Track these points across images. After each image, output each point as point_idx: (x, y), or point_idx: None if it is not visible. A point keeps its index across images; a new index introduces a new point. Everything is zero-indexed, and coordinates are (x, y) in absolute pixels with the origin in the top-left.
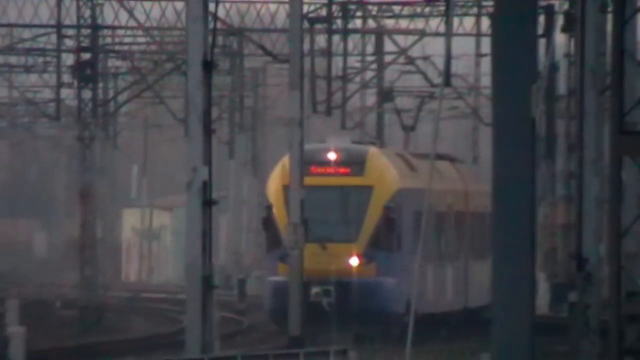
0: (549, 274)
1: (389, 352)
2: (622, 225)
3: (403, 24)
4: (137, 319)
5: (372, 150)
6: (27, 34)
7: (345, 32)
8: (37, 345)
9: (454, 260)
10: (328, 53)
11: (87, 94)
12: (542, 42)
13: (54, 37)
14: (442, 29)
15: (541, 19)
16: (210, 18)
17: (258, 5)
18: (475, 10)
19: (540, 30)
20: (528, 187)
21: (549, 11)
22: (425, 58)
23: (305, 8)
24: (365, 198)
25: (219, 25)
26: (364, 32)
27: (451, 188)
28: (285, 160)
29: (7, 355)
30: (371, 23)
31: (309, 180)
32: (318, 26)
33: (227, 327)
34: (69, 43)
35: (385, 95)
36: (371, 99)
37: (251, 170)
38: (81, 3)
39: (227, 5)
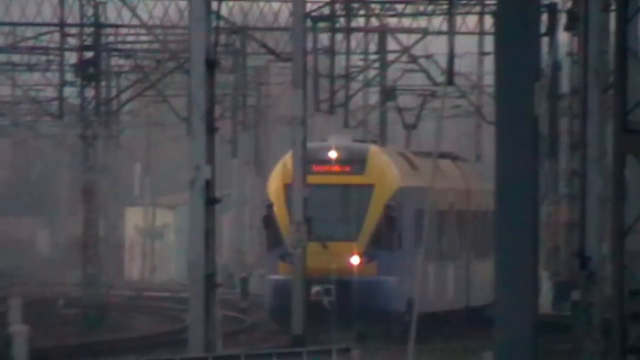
0: (551, 273)
1: (391, 351)
2: (625, 223)
3: (406, 22)
4: (140, 317)
5: (373, 148)
6: (30, 32)
7: (348, 31)
8: (40, 343)
9: (456, 259)
10: (331, 51)
11: (90, 93)
12: (545, 40)
13: (56, 36)
14: (445, 27)
15: (544, 17)
16: (213, 17)
17: (261, 4)
18: (478, 8)
19: (543, 28)
20: (531, 185)
21: (552, 10)
22: (428, 56)
23: (308, 6)
24: (366, 196)
25: (221, 23)
26: (366, 30)
27: (453, 186)
28: (286, 158)
29: (10, 354)
30: (374, 21)
31: (310, 179)
32: (321, 25)
33: (230, 326)
34: (72, 41)
35: (388, 93)
36: (374, 97)
37: (254, 168)
38: (84, 1)
39: (230, 3)
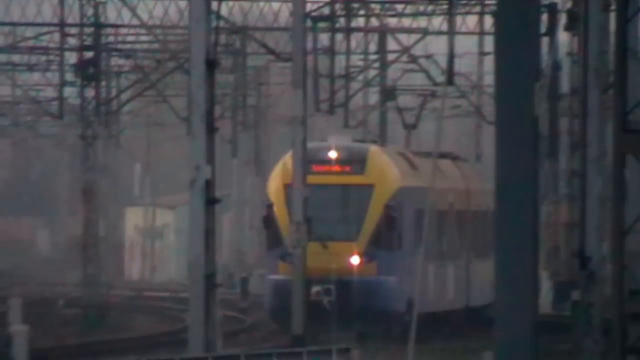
0: (551, 273)
1: (391, 351)
2: (625, 223)
3: (406, 22)
4: (140, 317)
5: (373, 148)
6: (30, 32)
7: (348, 31)
8: (40, 343)
9: (456, 259)
10: (331, 51)
11: (90, 93)
12: (545, 40)
13: (56, 36)
14: (445, 27)
15: (544, 17)
16: (213, 17)
17: (261, 4)
18: (478, 8)
19: (543, 28)
20: (531, 185)
21: (552, 10)
22: (428, 57)
23: (308, 6)
24: (366, 196)
25: (221, 23)
26: (366, 30)
27: (452, 186)
28: (286, 158)
29: (10, 354)
30: (374, 21)
31: (310, 179)
32: (321, 25)
33: (230, 326)
34: (72, 41)
35: (388, 94)
36: (374, 97)
37: (254, 168)
38: (84, 1)
39: (230, 3)
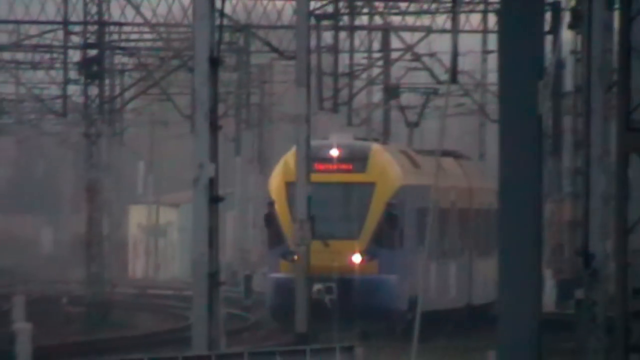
0: (555, 271)
1: (393, 349)
2: (629, 221)
3: (409, 20)
4: (143, 315)
5: (375, 146)
6: (33, 30)
7: (352, 29)
8: (43, 341)
9: (458, 257)
10: (334, 50)
11: (93, 91)
12: (548, 39)
13: (60, 34)
14: (448, 25)
15: (548, 15)
16: (216, 15)
17: (264, 2)
18: (482, 7)
19: (547, 27)
20: (534, 183)
21: (556, 8)
22: (432, 55)
23: (312, 5)
24: (368, 195)
25: (225, 21)
26: (370, 29)
27: (455, 185)
28: (288, 156)
29: (13, 352)
30: (378, 20)
31: (311, 177)
32: (325, 23)
33: (233, 324)
34: (76, 40)
35: (392, 92)
36: (377, 95)
37: (257, 166)
38: (87, 0)
39: (234, 1)
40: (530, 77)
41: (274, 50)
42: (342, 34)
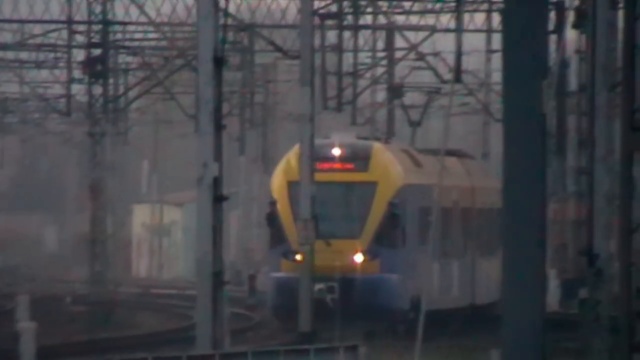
0: (559, 270)
1: (397, 349)
2: (633, 221)
3: (413, 19)
4: (147, 314)
5: (377, 146)
6: (38, 29)
7: (356, 28)
8: (47, 340)
9: (461, 257)
10: (339, 49)
11: (97, 90)
12: (552, 38)
13: (64, 33)
14: (452, 25)
15: (552, 15)
16: (220, 14)
17: (268, 1)
18: (486, 6)
19: (551, 26)
20: (539, 183)
21: (560, 7)
22: (436, 54)
23: (316, 4)
24: (370, 194)
25: (229, 21)
26: (374, 28)
27: (457, 184)
28: (290, 155)
29: (17, 351)
30: (382, 19)
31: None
32: (329, 22)
33: (237, 323)
34: (80, 39)
35: (396, 91)
36: (381, 94)
37: (261, 166)
38: None
39: (238, 1)
40: (534, 76)
41: (278, 49)
42: (346, 33)
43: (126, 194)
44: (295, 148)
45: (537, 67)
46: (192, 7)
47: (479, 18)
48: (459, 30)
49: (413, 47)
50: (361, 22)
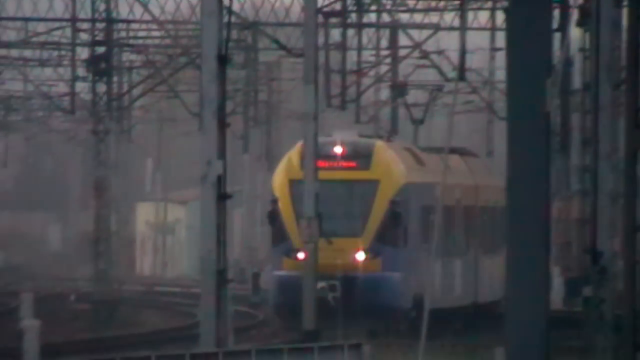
0: (563, 269)
1: (400, 347)
2: (637, 219)
3: (417, 18)
4: (151, 312)
5: (379, 144)
6: (41, 27)
7: (360, 26)
8: (51, 338)
9: (464, 255)
10: (342, 47)
11: (101, 88)
12: (557, 36)
13: (68, 31)
14: (456, 23)
15: (556, 13)
16: (224, 12)
17: None
18: (490, 4)
19: (555, 24)
20: (542, 181)
21: (564, 5)
22: (440, 52)
23: (320, 2)
24: (371, 192)
25: (233, 19)
26: (378, 26)
27: (460, 182)
28: (291, 154)
29: (21, 348)
30: (386, 17)
31: None
32: (332, 20)
33: (241, 321)
34: (84, 37)
35: (399, 89)
36: (385, 93)
37: (265, 164)
38: None
39: None
40: (538, 74)
41: (282, 47)
42: (350, 32)
43: (130, 192)
44: (297, 146)
45: (541, 66)
46: (196, 5)
47: (483, 16)
48: (463, 28)
49: (417, 45)
50: (365, 20)
